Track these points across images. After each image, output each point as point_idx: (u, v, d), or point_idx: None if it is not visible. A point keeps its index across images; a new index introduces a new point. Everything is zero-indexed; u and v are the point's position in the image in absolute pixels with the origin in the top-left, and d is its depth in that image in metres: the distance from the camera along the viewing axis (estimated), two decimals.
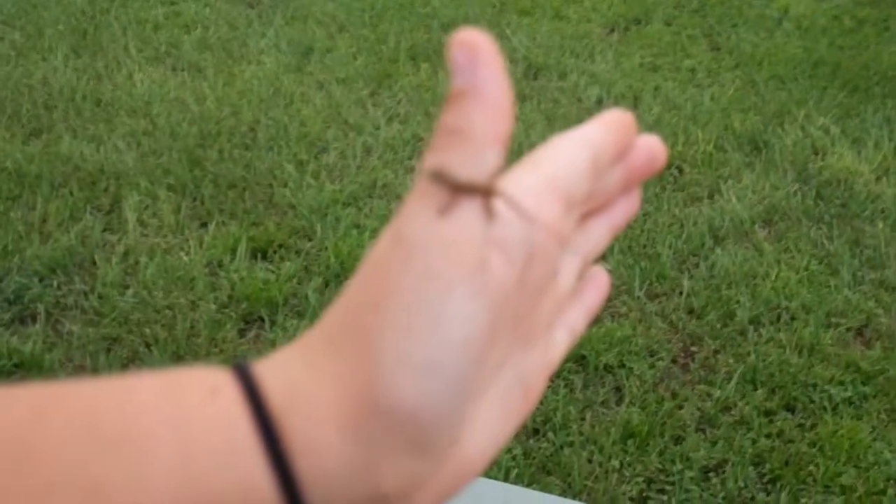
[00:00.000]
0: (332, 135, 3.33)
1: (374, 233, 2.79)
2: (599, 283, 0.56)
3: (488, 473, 2.02)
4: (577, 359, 2.37)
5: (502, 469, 2.07)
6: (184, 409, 0.40)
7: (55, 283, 2.60)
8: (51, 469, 0.37)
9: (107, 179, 3.01)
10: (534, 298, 0.47)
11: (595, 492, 2.06)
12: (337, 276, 2.64)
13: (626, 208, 0.55)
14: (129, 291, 2.58)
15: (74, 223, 2.82)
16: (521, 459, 2.10)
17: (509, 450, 2.10)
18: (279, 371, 0.41)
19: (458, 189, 0.41)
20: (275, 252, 2.76)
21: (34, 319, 2.50)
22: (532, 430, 2.19)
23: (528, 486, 2.02)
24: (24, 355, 2.35)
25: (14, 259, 2.67)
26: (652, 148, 0.54)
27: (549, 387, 2.27)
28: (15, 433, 0.37)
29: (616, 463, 2.10)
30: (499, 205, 0.43)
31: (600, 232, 0.54)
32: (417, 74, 3.78)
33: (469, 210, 0.41)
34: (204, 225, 2.85)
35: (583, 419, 2.22)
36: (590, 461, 2.11)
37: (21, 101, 3.46)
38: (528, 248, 0.44)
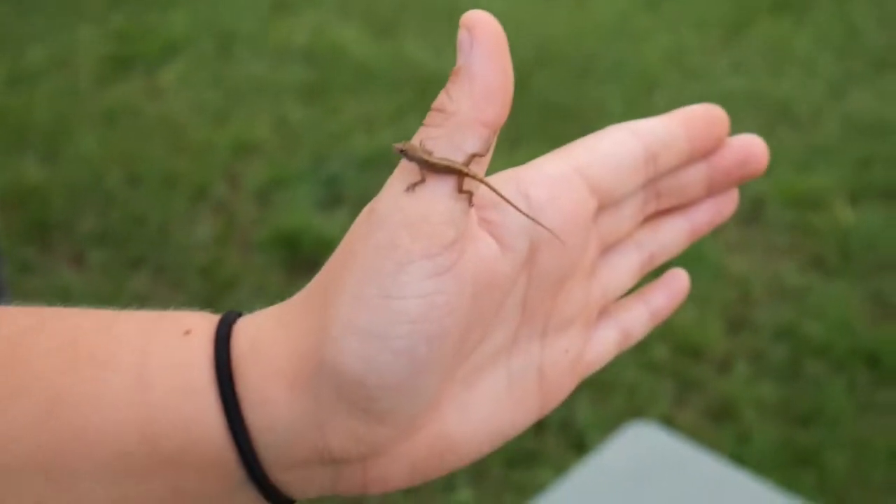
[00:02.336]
0: (669, 78, 3.24)
1: None
2: (674, 287, 0.52)
3: (736, 453, 1.92)
4: (868, 355, 2.18)
5: (755, 449, 1.96)
6: (153, 343, 0.42)
7: (367, 175, 2.76)
8: (22, 377, 0.40)
9: (439, 86, 3.12)
10: (549, 289, 0.45)
11: (850, 499, 1.90)
12: None
13: (711, 211, 0.51)
14: None
15: (399, 123, 2.96)
16: (779, 446, 1.98)
17: (765, 433, 1.99)
18: (254, 325, 0.43)
19: (428, 168, 0.41)
20: None
21: (341, 205, 2.67)
22: (799, 418, 2.05)
23: (780, 475, 1.90)
24: (325, 237, 2.52)
25: (339, 146, 2.86)
26: (748, 149, 0.50)
27: (826, 377, 2.11)
28: (10, 342, 0.41)
29: (881, 475, 1.92)
30: (478, 188, 0.42)
31: (676, 233, 0.51)
32: (777, 27, 3.57)
33: (436, 189, 0.41)
34: (515, 146, 2.89)
35: (858, 420, 2.05)
36: (854, 466, 1.95)
37: (378, 1, 3.66)
38: (530, 236, 0.43)
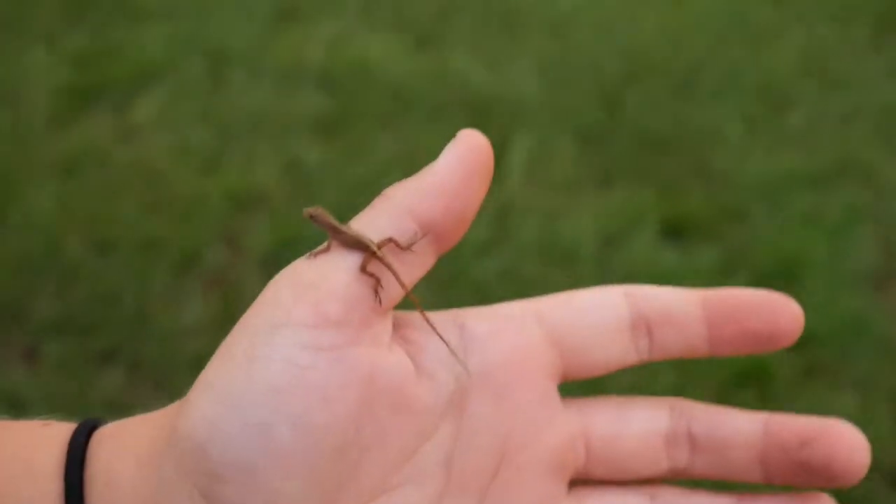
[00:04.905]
0: (802, 88, 3.22)
1: (834, 227, 2.64)
2: None
3: None
4: None
5: None
6: (4, 434, 0.47)
7: None
8: None
9: (498, 109, 3.11)
10: (485, 455, 0.48)
11: None
12: (768, 276, 2.52)
13: None
14: (496, 253, 2.64)
15: None
16: None
17: None
18: (128, 419, 0.49)
19: (336, 236, 0.49)
20: (690, 233, 2.69)
21: None
22: None
23: None
24: None
25: (369, 194, 2.79)
26: (847, 444, 0.48)
27: None
28: None
29: None
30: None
31: None
32: None
33: (334, 259, 0.48)
34: (605, 185, 2.85)
35: None
36: None
37: (414, 4, 3.67)
38: (456, 373, 0.49)
